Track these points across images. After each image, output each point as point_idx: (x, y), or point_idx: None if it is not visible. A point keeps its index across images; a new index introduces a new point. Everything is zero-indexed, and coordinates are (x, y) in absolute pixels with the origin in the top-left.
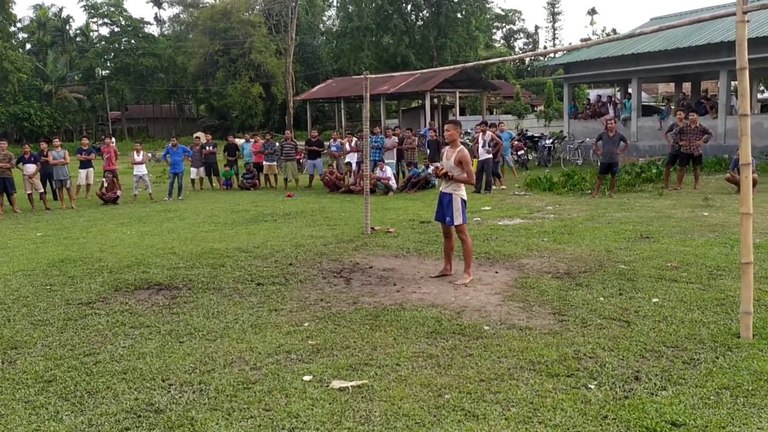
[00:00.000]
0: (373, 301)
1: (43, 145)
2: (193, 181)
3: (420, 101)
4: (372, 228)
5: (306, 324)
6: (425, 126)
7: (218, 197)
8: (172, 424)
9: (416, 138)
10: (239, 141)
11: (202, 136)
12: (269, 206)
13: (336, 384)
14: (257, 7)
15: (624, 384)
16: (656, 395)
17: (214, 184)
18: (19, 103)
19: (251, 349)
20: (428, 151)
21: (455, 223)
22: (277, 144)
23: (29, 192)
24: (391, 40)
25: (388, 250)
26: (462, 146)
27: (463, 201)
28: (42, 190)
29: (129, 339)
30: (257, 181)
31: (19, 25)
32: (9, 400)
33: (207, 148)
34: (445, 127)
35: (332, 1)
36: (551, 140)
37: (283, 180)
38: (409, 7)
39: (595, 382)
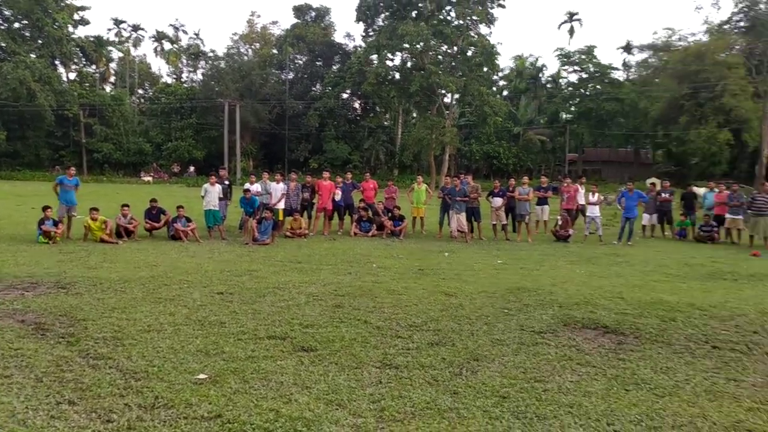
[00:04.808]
0: None
1: (511, 182)
2: (644, 227)
3: None
4: None
5: None
6: None
7: (669, 247)
8: None
9: None
10: (701, 190)
11: (657, 183)
12: (729, 264)
13: None
14: (737, 47)
15: None
16: None
17: (666, 233)
18: (491, 143)
19: (704, 416)
20: None
21: None
22: (745, 196)
23: (493, 222)
24: None
25: None
26: None
27: None
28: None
29: (576, 374)
30: (716, 234)
31: (500, 74)
32: (470, 406)
33: (662, 195)
34: None
35: None
36: None
37: (748, 237)
38: None
39: None
